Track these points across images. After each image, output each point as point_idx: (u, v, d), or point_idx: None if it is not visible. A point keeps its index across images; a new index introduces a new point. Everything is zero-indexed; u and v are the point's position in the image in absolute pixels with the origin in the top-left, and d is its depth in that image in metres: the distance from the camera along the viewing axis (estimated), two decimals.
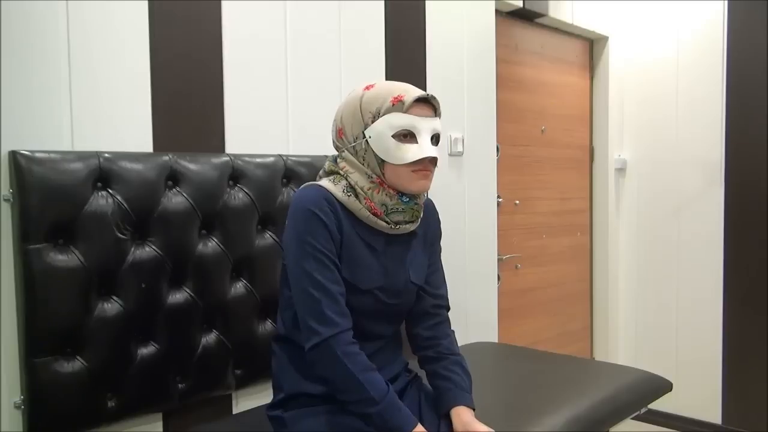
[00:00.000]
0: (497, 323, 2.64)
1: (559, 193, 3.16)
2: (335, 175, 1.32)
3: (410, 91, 1.27)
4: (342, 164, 1.31)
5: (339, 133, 1.33)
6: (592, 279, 3.41)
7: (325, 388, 1.27)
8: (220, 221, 1.61)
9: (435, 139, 1.30)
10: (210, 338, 1.60)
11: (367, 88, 1.31)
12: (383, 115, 1.26)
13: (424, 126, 1.27)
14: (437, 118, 1.31)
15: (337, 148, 1.35)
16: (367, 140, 1.27)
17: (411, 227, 1.34)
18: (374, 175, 1.28)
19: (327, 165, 1.35)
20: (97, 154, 1.41)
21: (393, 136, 1.25)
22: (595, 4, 3.16)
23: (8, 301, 1.34)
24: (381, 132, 1.25)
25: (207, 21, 1.66)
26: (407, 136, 1.26)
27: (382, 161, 1.27)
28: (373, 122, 1.26)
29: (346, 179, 1.29)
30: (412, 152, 1.25)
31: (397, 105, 1.25)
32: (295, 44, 1.87)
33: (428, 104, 1.30)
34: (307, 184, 1.31)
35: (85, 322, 1.38)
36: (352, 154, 1.30)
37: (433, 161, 1.29)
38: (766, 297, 2.85)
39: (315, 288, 1.21)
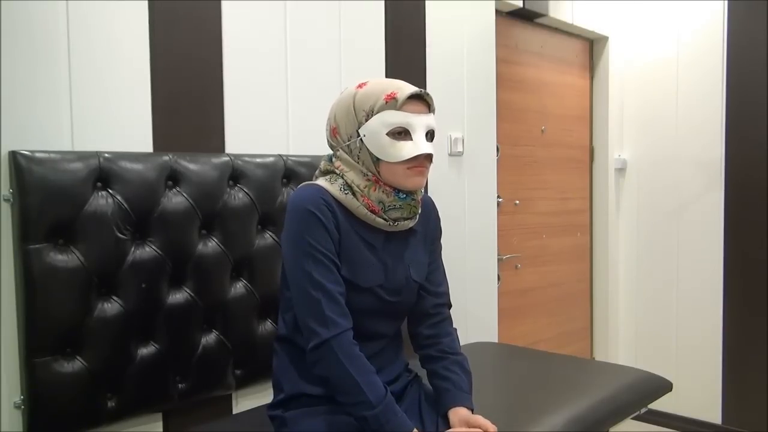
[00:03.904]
0: (497, 323, 2.64)
1: (559, 193, 3.16)
2: (331, 175, 1.31)
3: (403, 88, 1.27)
4: (337, 163, 1.31)
5: (333, 132, 1.33)
6: (592, 279, 3.42)
7: (326, 389, 1.27)
8: (220, 221, 1.61)
9: (430, 135, 1.30)
10: (210, 338, 1.60)
11: (360, 86, 1.30)
12: (377, 113, 1.25)
13: (419, 123, 1.26)
14: (431, 114, 1.30)
15: (331, 146, 1.35)
16: (361, 139, 1.27)
17: (409, 224, 1.34)
18: (370, 174, 1.28)
19: (323, 164, 1.35)
20: (97, 154, 1.41)
21: (387, 134, 1.25)
22: (595, 4, 3.16)
23: (8, 301, 1.34)
24: (375, 130, 1.25)
25: (207, 21, 1.66)
26: (402, 133, 1.26)
27: (377, 159, 1.26)
28: (366, 121, 1.26)
29: (342, 178, 1.29)
30: (407, 149, 1.25)
31: (391, 102, 1.25)
32: (295, 44, 1.87)
33: (422, 100, 1.29)
34: (303, 183, 1.31)
35: (85, 322, 1.38)
36: (346, 153, 1.30)
37: (428, 158, 1.29)
38: (766, 297, 2.85)
39: (315, 288, 1.21)
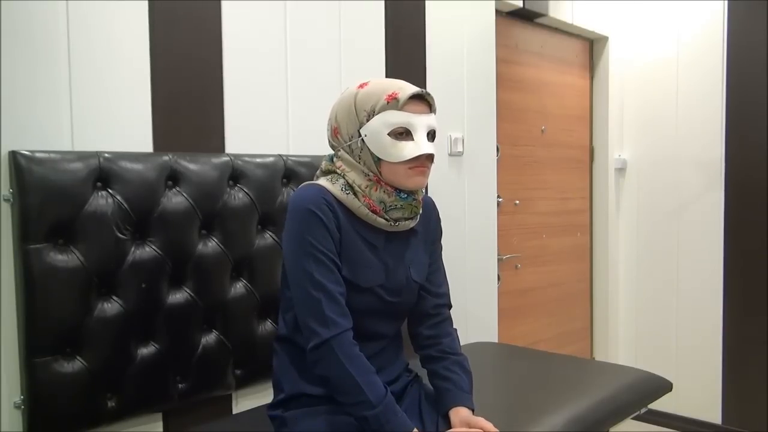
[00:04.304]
0: (497, 323, 2.64)
1: (559, 193, 3.16)
2: (333, 174, 1.31)
3: (405, 88, 1.27)
4: (338, 163, 1.31)
5: (334, 132, 1.33)
6: (592, 279, 3.41)
7: (326, 389, 1.27)
8: (220, 221, 1.61)
9: (431, 135, 1.30)
10: (210, 338, 1.60)
11: (361, 86, 1.30)
12: (378, 113, 1.25)
13: (420, 123, 1.26)
14: (432, 114, 1.30)
15: (332, 146, 1.35)
16: (362, 139, 1.27)
17: (411, 224, 1.34)
18: (371, 173, 1.28)
19: (324, 164, 1.35)
20: (97, 154, 1.41)
21: (389, 134, 1.25)
22: (595, 4, 3.16)
23: (8, 301, 1.34)
24: (376, 130, 1.25)
25: (207, 21, 1.66)
26: (403, 133, 1.26)
27: (379, 159, 1.26)
28: (368, 121, 1.26)
29: (344, 178, 1.29)
30: (409, 150, 1.25)
31: (392, 102, 1.25)
32: (295, 44, 1.87)
33: (423, 101, 1.29)
34: (305, 183, 1.31)
35: (85, 322, 1.38)
36: (348, 153, 1.30)
37: (429, 158, 1.29)
38: (766, 297, 2.85)
39: (315, 288, 1.21)
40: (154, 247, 1.49)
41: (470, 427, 1.27)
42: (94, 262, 1.39)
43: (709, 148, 3.02)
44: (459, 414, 1.31)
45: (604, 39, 3.28)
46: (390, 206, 1.29)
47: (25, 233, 1.31)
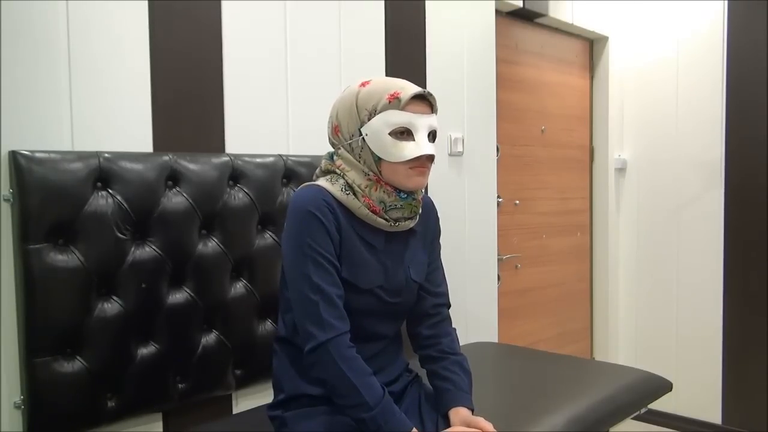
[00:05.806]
0: (497, 323, 2.64)
1: (559, 193, 3.16)
2: (332, 174, 1.31)
3: (407, 88, 1.26)
4: (338, 162, 1.31)
5: (335, 131, 1.33)
6: (592, 279, 3.41)
7: (326, 390, 1.27)
8: (220, 221, 1.61)
9: (432, 135, 1.30)
10: (210, 338, 1.60)
11: (363, 84, 1.30)
12: (380, 112, 1.25)
13: (421, 123, 1.26)
14: (434, 115, 1.30)
15: (333, 144, 1.35)
16: (363, 138, 1.27)
17: (410, 224, 1.34)
18: (371, 173, 1.28)
19: (323, 163, 1.34)
20: (97, 154, 1.41)
21: (390, 134, 1.24)
22: (595, 4, 3.16)
23: (8, 301, 1.34)
24: (378, 129, 1.25)
25: (207, 21, 1.66)
26: (404, 133, 1.25)
27: (379, 159, 1.26)
28: (369, 120, 1.26)
29: (343, 178, 1.29)
30: (409, 150, 1.25)
31: (394, 102, 1.25)
32: (295, 44, 1.87)
33: (425, 101, 1.29)
34: (305, 184, 1.31)
35: (85, 322, 1.38)
36: (348, 152, 1.30)
37: (430, 158, 1.28)
38: (766, 297, 2.85)
39: (313, 291, 1.21)
40: (154, 247, 1.49)
41: (469, 427, 1.27)
42: (94, 262, 1.39)
43: (709, 148, 3.02)
44: (459, 414, 1.31)
45: (604, 39, 3.28)
46: (390, 206, 1.28)
47: (25, 233, 1.31)
